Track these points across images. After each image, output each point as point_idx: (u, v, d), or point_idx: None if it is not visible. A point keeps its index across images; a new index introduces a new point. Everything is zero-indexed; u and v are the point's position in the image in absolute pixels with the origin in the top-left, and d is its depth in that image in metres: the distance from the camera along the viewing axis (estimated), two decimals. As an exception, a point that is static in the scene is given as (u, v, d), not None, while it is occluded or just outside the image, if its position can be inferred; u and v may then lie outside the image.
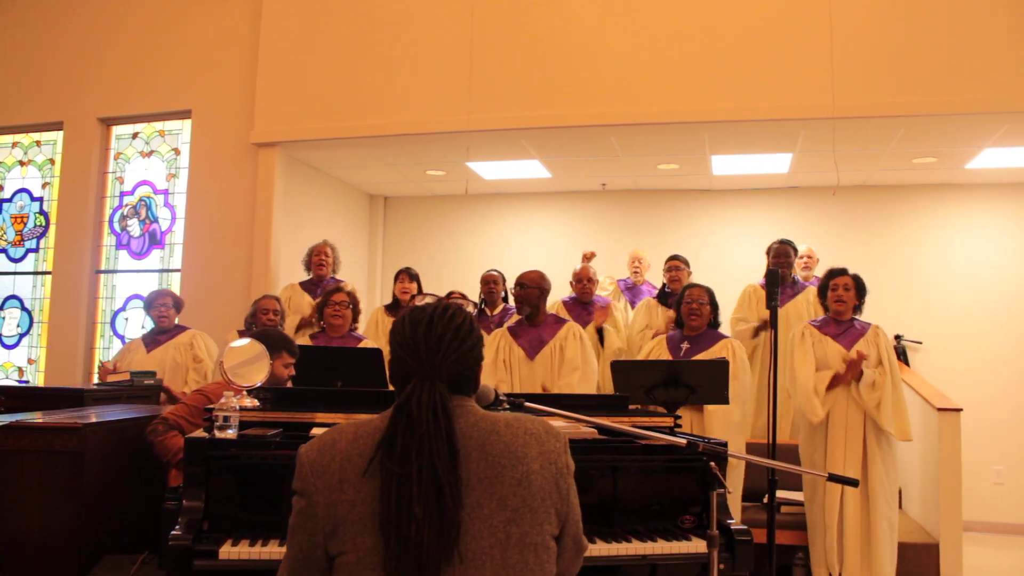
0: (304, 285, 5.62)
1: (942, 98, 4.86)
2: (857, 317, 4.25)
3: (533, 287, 4.34)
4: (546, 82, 5.44)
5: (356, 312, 4.70)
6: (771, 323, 3.48)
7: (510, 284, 4.84)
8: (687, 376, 3.48)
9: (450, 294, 5.25)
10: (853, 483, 2.15)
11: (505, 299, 5.47)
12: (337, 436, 1.41)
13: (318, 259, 5.53)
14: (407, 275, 5.48)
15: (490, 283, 5.43)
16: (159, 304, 4.95)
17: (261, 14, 6.11)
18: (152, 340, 4.95)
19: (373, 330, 5.43)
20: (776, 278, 3.46)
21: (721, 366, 3.62)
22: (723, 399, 3.62)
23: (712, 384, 3.53)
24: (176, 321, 5.04)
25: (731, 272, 6.29)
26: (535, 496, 1.39)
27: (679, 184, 7.11)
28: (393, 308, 5.52)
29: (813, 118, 5.07)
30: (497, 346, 4.39)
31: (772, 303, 3.45)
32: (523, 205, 7.63)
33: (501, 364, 4.34)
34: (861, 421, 4.09)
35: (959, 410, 4.52)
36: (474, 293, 5.48)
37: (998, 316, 6.44)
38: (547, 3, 5.53)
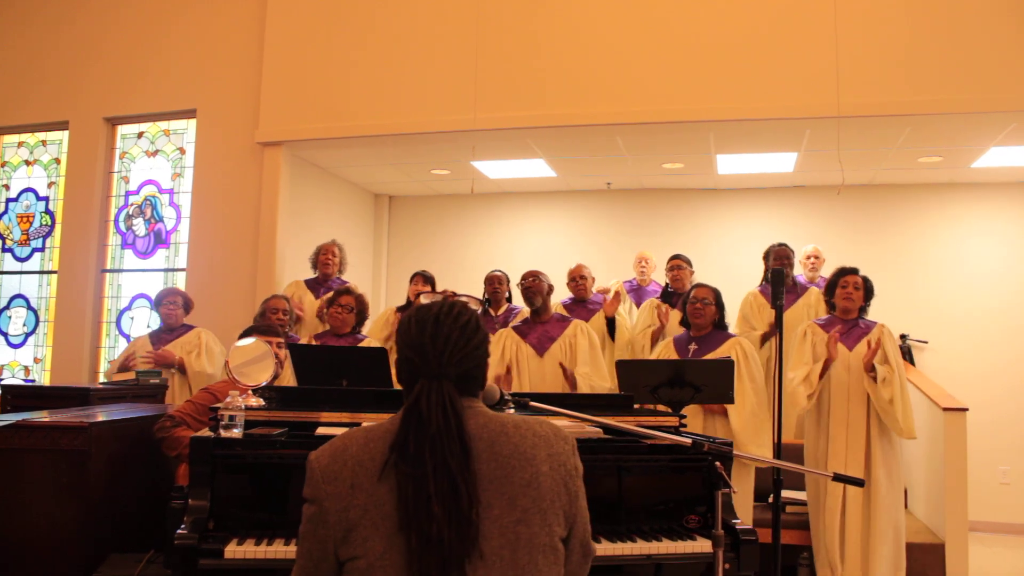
0: (309, 283, 5.60)
1: (948, 97, 4.84)
2: (863, 317, 4.26)
3: (541, 278, 4.43)
4: (551, 82, 5.43)
5: (361, 317, 4.63)
6: (776, 323, 3.47)
7: (514, 284, 4.85)
8: (692, 375, 3.47)
9: (453, 294, 5.21)
10: (859, 483, 2.14)
11: (509, 299, 5.45)
12: (348, 442, 1.41)
13: (324, 258, 5.52)
14: (422, 278, 5.40)
15: (494, 283, 5.39)
16: (168, 301, 5.00)
17: (266, 13, 6.12)
18: (159, 339, 4.98)
19: (379, 330, 5.37)
20: (781, 277, 3.45)
21: (726, 366, 3.61)
22: (728, 398, 3.61)
23: (717, 383, 3.52)
24: (183, 321, 5.06)
25: (736, 271, 6.29)
26: (544, 498, 1.39)
27: (684, 183, 7.10)
28: (405, 309, 5.45)
29: (818, 117, 5.05)
30: (503, 346, 4.38)
31: (778, 302, 3.44)
32: (528, 204, 7.63)
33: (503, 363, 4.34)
34: (864, 419, 4.08)
35: (965, 410, 4.51)
36: (479, 292, 5.47)
37: (1003, 315, 6.41)
38: (552, 2, 5.52)
